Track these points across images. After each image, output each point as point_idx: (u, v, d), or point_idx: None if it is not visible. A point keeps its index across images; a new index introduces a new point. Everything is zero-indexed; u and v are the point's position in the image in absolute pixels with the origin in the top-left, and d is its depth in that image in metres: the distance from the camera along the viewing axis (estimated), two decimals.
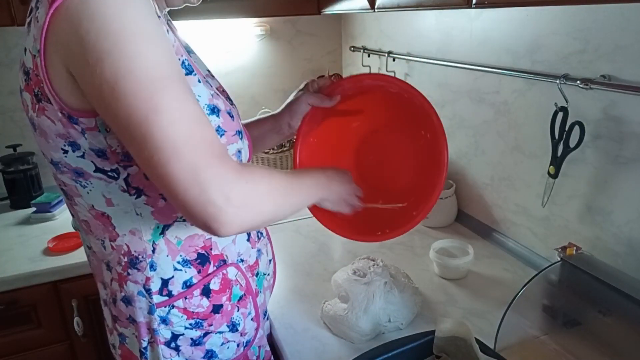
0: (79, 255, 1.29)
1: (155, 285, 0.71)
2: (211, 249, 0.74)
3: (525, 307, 0.80)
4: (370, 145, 0.97)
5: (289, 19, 1.92)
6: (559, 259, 0.84)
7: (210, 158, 0.54)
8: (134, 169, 0.64)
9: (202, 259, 0.73)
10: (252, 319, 0.81)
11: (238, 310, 0.78)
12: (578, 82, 0.89)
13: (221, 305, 0.76)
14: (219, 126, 0.69)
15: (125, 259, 0.71)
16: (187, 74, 0.66)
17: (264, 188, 0.61)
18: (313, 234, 1.34)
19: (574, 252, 0.84)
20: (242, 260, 0.78)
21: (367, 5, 1.12)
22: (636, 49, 0.83)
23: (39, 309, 1.28)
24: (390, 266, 0.98)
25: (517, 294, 0.79)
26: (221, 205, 0.53)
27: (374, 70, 1.75)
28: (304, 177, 0.75)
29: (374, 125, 0.95)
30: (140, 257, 0.70)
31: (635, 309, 0.73)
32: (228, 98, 0.83)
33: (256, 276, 0.82)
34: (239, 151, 0.74)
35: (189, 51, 0.79)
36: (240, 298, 0.78)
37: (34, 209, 1.54)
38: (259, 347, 0.85)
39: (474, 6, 0.79)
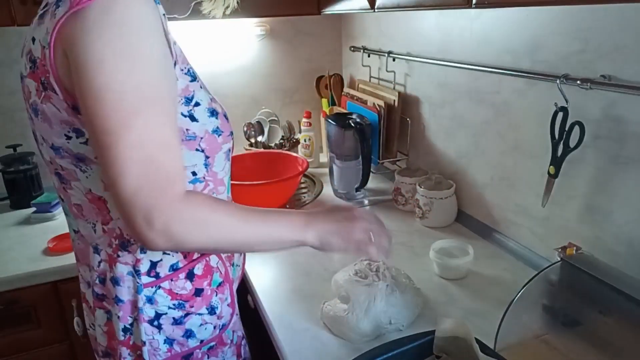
0: None
1: (144, 267, 0.76)
2: None
3: (525, 307, 0.80)
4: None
5: (289, 19, 1.92)
6: (559, 259, 0.84)
7: (154, 184, 0.61)
8: None
9: None
10: (228, 305, 0.86)
11: (216, 295, 0.84)
12: (578, 82, 0.89)
13: (202, 289, 0.81)
14: (217, 127, 0.77)
15: (117, 242, 0.75)
16: (191, 81, 0.74)
17: (202, 224, 0.66)
18: None
19: (574, 252, 0.84)
20: None
21: (367, 5, 1.12)
22: (636, 49, 0.83)
23: (39, 309, 1.28)
24: (391, 267, 0.98)
25: (517, 294, 0.79)
26: (144, 228, 0.61)
27: (374, 70, 1.75)
28: (279, 214, 0.76)
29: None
30: (131, 239, 0.75)
31: (635, 309, 0.73)
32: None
33: (232, 266, 0.88)
34: (229, 149, 0.83)
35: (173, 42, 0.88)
36: (220, 284, 0.84)
37: (34, 209, 1.54)
38: (233, 331, 0.89)
39: (474, 6, 0.79)
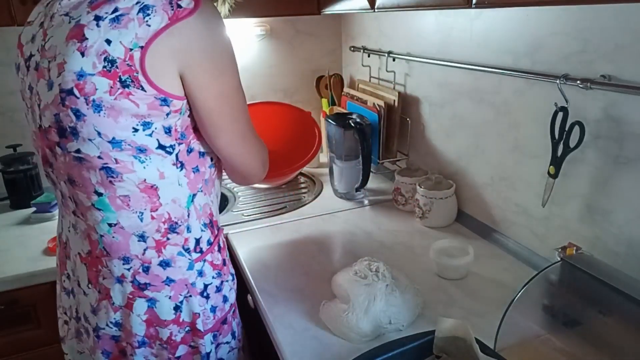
0: None
1: (191, 245, 0.88)
2: (213, 216, 0.94)
3: (525, 307, 0.80)
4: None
5: (289, 19, 1.92)
6: (559, 259, 0.84)
7: (265, 162, 0.98)
8: (183, 146, 0.82)
9: (211, 223, 0.93)
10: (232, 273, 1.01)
11: (229, 265, 0.99)
12: (578, 82, 0.89)
13: (225, 259, 0.97)
14: None
15: (165, 226, 0.84)
16: None
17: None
18: (313, 234, 1.34)
19: (574, 252, 0.84)
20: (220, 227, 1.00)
21: (367, 5, 1.12)
22: (636, 49, 0.83)
23: (39, 309, 1.28)
24: (391, 267, 0.98)
25: (517, 294, 0.79)
26: (262, 175, 0.98)
27: (374, 70, 1.75)
28: None
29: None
30: (179, 222, 0.85)
31: (635, 309, 0.73)
32: None
33: None
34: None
35: None
36: (228, 255, 1.00)
37: (34, 209, 1.54)
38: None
39: (474, 6, 0.79)
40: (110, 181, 0.79)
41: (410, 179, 1.43)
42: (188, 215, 0.86)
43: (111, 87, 0.72)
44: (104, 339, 0.89)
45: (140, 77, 0.71)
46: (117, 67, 0.71)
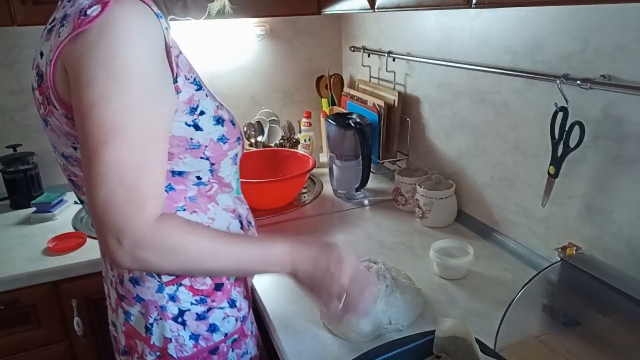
0: (79, 255, 1.29)
1: None
2: None
3: (525, 307, 0.80)
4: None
5: (289, 19, 1.92)
6: (559, 259, 0.84)
7: (129, 204, 0.62)
8: None
9: None
10: (244, 297, 0.89)
11: (235, 289, 0.86)
12: (578, 82, 0.89)
13: (222, 284, 0.83)
14: (223, 135, 0.78)
15: None
16: (197, 90, 0.75)
17: (164, 249, 0.65)
18: (313, 234, 1.34)
19: (574, 252, 0.84)
20: None
21: (367, 5, 1.12)
22: (636, 49, 0.83)
23: (39, 309, 1.28)
24: (391, 268, 0.98)
25: (517, 294, 0.79)
26: (113, 245, 0.62)
27: (374, 70, 1.75)
28: (253, 244, 0.75)
29: None
30: None
31: (635, 309, 0.73)
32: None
33: None
34: (236, 155, 0.84)
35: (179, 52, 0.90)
36: (236, 277, 0.86)
37: (34, 209, 1.54)
38: (251, 322, 0.92)
39: (474, 6, 0.79)
40: (80, 193, 0.80)
41: (410, 179, 1.43)
42: None
43: (42, 103, 0.71)
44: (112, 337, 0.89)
45: (51, 95, 0.68)
46: (43, 82, 0.69)
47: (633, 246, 0.90)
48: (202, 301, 0.81)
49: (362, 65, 1.80)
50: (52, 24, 0.70)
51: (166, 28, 0.69)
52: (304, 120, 1.88)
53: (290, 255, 0.75)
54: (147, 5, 0.66)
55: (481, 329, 0.86)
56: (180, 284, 0.79)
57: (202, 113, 0.75)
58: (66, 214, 1.56)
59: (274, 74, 1.97)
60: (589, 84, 0.87)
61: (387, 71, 1.63)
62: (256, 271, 0.82)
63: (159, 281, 0.78)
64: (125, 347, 0.83)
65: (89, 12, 0.63)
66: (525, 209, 1.15)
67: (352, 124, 1.46)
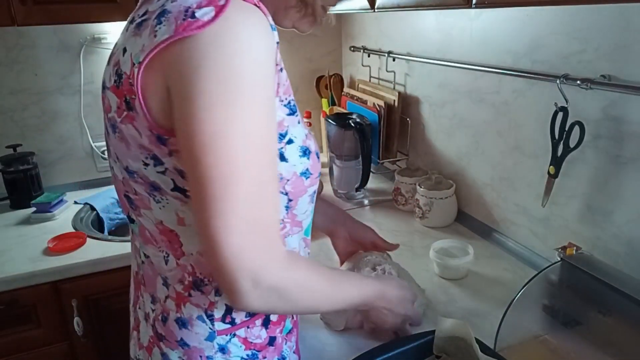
0: (79, 255, 1.29)
1: (219, 312, 0.68)
2: None
3: (525, 307, 0.80)
4: None
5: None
6: (559, 259, 0.84)
7: (261, 243, 0.56)
8: None
9: None
10: (294, 352, 0.80)
11: (286, 344, 0.77)
12: (578, 82, 0.89)
13: (275, 338, 0.75)
14: (307, 169, 0.68)
15: (189, 279, 0.67)
16: (289, 114, 0.66)
17: (300, 287, 0.63)
18: (313, 234, 1.34)
19: (574, 252, 0.84)
20: None
21: (367, 5, 1.12)
22: (636, 49, 0.83)
23: (39, 309, 1.28)
24: (396, 265, 0.98)
25: (517, 294, 0.79)
26: (248, 289, 0.56)
27: (374, 70, 1.75)
28: (354, 278, 0.80)
29: None
30: (205, 280, 0.67)
31: (635, 309, 0.73)
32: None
33: None
34: (314, 192, 0.74)
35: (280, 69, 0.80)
36: (289, 331, 0.78)
37: (34, 209, 1.54)
38: None
39: (474, 6, 0.79)
40: (135, 213, 0.68)
41: (410, 179, 1.43)
42: None
43: (118, 107, 0.59)
44: None
45: (137, 103, 0.56)
46: (122, 83, 0.58)
47: (633, 246, 0.90)
48: (253, 356, 0.71)
49: (362, 65, 1.80)
50: (144, 17, 0.58)
51: (277, 42, 0.59)
52: (304, 120, 1.88)
53: (379, 293, 0.79)
54: (264, 14, 0.56)
55: (481, 329, 0.86)
56: (235, 335, 0.70)
57: (290, 142, 0.65)
58: (66, 214, 1.56)
59: None
60: (589, 84, 0.87)
61: (387, 71, 1.63)
62: (351, 305, 0.79)
63: (210, 328, 0.68)
64: None
65: (198, 14, 0.52)
66: (525, 209, 1.15)
67: (352, 124, 1.46)
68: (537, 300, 0.85)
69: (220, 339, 0.69)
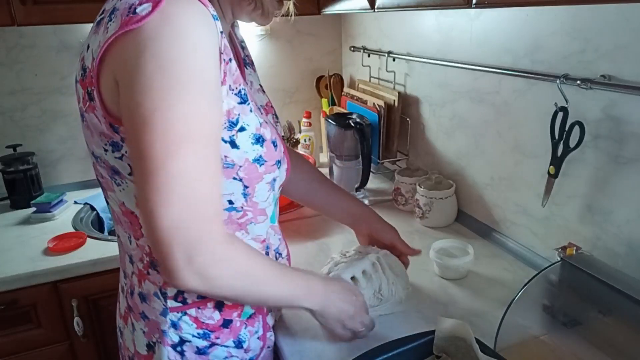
0: (79, 255, 1.29)
1: (171, 291, 0.73)
2: None
3: (525, 307, 0.80)
4: None
5: (289, 19, 1.92)
6: (559, 259, 0.84)
7: (197, 219, 0.58)
8: None
9: None
10: (258, 338, 0.82)
11: (245, 328, 0.80)
12: (578, 82, 0.89)
13: (231, 321, 0.78)
14: (260, 156, 0.71)
15: (147, 259, 0.73)
16: (240, 103, 0.68)
17: (237, 269, 0.64)
18: (313, 234, 1.34)
19: (574, 252, 0.84)
20: None
21: (367, 5, 1.12)
22: (636, 49, 0.83)
23: (39, 309, 1.28)
24: (392, 257, 0.99)
25: (517, 294, 0.79)
26: (181, 265, 0.58)
27: (374, 70, 1.75)
28: (302, 276, 0.77)
29: None
30: None
31: (635, 309, 0.73)
32: (275, 115, 0.88)
33: None
34: (274, 179, 0.76)
35: (246, 64, 0.88)
36: (250, 316, 0.80)
37: (34, 209, 1.54)
38: None
39: (474, 6, 0.79)
40: (105, 193, 0.75)
41: (410, 179, 1.43)
42: None
43: (83, 98, 0.66)
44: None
45: (95, 93, 0.62)
46: (86, 76, 0.64)
47: (633, 246, 0.90)
48: (205, 335, 0.76)
49: (362, 65, 1.80)
50: (102, 16, 0.64)
51: (221, 32, 0.62)
52: (304, 120, 1.88)
53: (325, 292, 0.78)
54: (204, 5, 0.60)
55: (481, 329, 0.86)
56: (185, 313, 0.74)
57: (242, 129, 0.68)
58: (66, 214, 1.56)
59: (274, 73, 1.97)
60: (589, 84, 0.87)
61: (387, 71, 1.63)
62: (295, 303, 0.76)
63: (164, 305, 0.73)
64: (134, 355, 0.80)
65: (138, 10, 0.57)
66: (525, 209, 1.15)
67: (352, 124, 1.46)
68: (537, 300, 0.85)
69: (172, 316, 0.73)
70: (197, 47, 0.58)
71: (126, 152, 0.64)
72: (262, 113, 0.76)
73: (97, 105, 0.63)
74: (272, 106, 0.89)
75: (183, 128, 0.57)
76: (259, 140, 0.71)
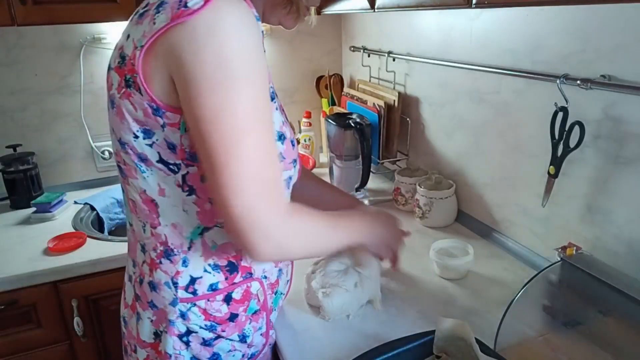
0: (79, 255, 1.29)
1: (183, 281, 0.75)
2: (241, 260, 0.78)
3: (525, 307, 0.80)
4: None
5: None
6: (559, 259, 0.84)
7: (267, 200, 0.64)
8: (194, 169, 0.70)
9: (232, 267, 0.78)
10: (261, 334, 0.85)
11: (250, 323, 0.82)
12: (578, 82, 0.89)
13: (237, 315, 0.80)
14: (281, 152, 0.75)
15: (161, 248, 0.75)
16: (270, 100, 0.71)
17: (305, 234, 0.72)
18: None
19: (574, 252, 0.84)
20: (265, 277, 0.83)
21: (367, 5, 1.12)
22: (636, 49, 0.83)
23: (39, 309, 1.28)
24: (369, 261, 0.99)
25: (517, 294, 0.79)
26: (260, 242, 0.64)
27: (374, 70, 1.75)
28: (347, 220, 0.85)
29: None
30: (175, 250, 0.75)
31: (635, 309, 0.73)
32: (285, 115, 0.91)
33: (275, 294, 0.86)
34: (290, 177, 0.80)
35: None
36: (255, 312, 0.82)
37: (34, 209, 1.54)
38: None
39: (474, 6, 0.79)
40: (124, 181, 0.76)
41: (410, 179, 1.43)
42: (189, 248, 0.74)
43: (119, 85, 0.68)
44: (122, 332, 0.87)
45: (138, 79, 0.64)
46: (125, 64, 0.66)
47: (633, 246, 0.90)
48: (211, 327, 0.78)
49: (362, 65, 1.80)
50: (146, 9, 0.67)
51: (262, 31, 0.67)
52: (304, 120, 1.88)
53: (369, 225, 0.88)
54: (249, 6, 0.63)
55: (481, 329, 0.86)
56: (195, 304, 0.76)
57: None
58: (66, 214, 1.56)
59: (274, 73, 1.97)
60: (589, 84, 0.87)
61: (387, 71, 1.63)
62: (349, 243, 0.84)
63: (174, 295, 0.75)
64: (137, 344, 0.82)
65: (189, 4, 0.60)
66: (525, 209, 1.15)
67: (352, 124, 1.46)
68: (537, 300, 0.85)
69: (182, 306, 0.76)
70: (250, 45, 0.61)
71: (157, 139, 0.68)
72: (282, 112, 0.80)
73: (141, 92, 0.65)
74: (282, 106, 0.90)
75: (247, 120, 0.62)
76: (281, 137, 0.75)
